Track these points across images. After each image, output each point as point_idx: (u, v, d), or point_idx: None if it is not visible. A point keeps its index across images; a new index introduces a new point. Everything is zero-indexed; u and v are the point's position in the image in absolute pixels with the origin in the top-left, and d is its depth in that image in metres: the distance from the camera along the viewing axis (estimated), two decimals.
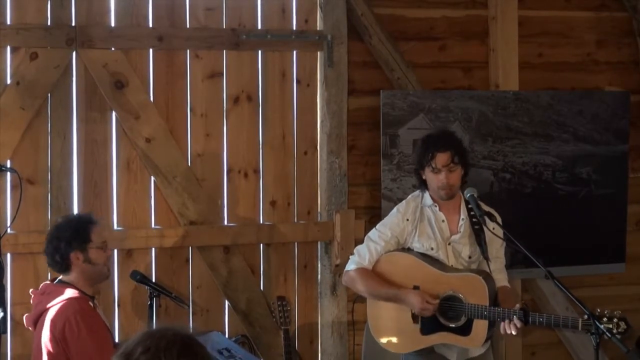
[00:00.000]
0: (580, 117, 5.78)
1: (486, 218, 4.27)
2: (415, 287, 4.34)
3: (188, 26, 5.28)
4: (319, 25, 5.48)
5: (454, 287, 4.28)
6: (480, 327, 4.24)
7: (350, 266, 4.46)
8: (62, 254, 4.19)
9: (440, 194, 4.36)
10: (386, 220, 4.51)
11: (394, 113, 5.45)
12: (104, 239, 4.33)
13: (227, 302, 5.38)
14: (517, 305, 4.15)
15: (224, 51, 5.34)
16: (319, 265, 5.54)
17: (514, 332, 4.13)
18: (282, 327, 5.20)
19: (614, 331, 3.84)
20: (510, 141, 5.65)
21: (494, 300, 4.26)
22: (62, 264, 4.21)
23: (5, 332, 3.75)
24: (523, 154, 5.67)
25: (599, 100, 5.84)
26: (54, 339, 4.01)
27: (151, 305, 4.84)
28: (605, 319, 3.89)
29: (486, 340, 4.32)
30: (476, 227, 4.34)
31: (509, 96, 5.68)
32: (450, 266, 4.38)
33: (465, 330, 4.26)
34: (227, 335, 5.25)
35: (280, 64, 5.45)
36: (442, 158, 4.31)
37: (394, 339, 4.45)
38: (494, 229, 4.27)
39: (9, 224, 4.67)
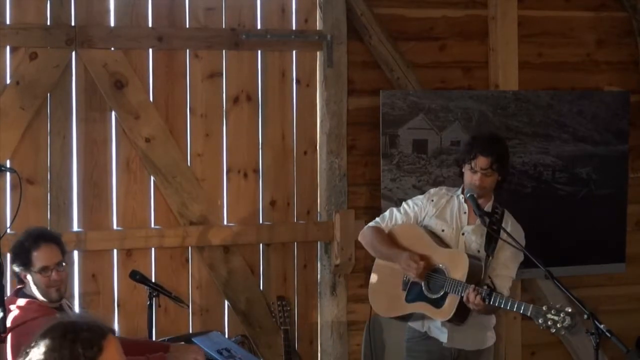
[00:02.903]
0: (580, 117, 5.77)
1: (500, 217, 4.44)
2: None
3: (188, 26, 5.28)
4: (319, 25, 5.47)
5: (443, 261, 4.42)
6: (451, 302, 4.36)
7: (370, 224, 4.70)
8: (14, 270, 4.05)
9: (470, 191, 4.53)
10: (415, 197, 4.73)
11: (394, 113, 5.45)
12: (47, 263, 3.98)
13: (226, 302, 5.38)
14: (485, 287, 4.28)
15: (224, 51, 5.34)
16: (318, 265, 5.54)
17: (476, 301, 4.20)
18: (282, 327, 5.21)
19: (559, 325, 3.95)
20: (510, 141, 5.62)
21: (475, 283, 4.32)
22: (17, 279, 4.07)
23: (5, 332, 3.73)
24: (523, 154, 5.67)
25: (598, 100, 5.84)
26: None
27: (151, 305, 4.83)
28: (553, 311, 3.98)
29: (458, 320, 4.38)
30: (494, 227, 4.45)
31: (509, 96, 5.67)
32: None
33: (440, 302, 4.40)
34: (226, 335, 5.24)
35: (280, 63, 5.45)
36: (482, 161, 4.44)
37: (381, 301, 4.67)
38: (506, 235, 4.35)
39: (8, 224, 4.66)
